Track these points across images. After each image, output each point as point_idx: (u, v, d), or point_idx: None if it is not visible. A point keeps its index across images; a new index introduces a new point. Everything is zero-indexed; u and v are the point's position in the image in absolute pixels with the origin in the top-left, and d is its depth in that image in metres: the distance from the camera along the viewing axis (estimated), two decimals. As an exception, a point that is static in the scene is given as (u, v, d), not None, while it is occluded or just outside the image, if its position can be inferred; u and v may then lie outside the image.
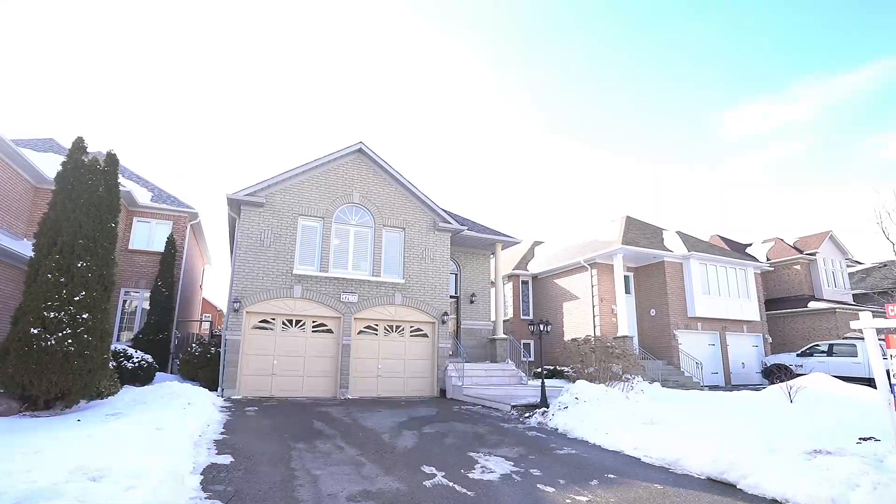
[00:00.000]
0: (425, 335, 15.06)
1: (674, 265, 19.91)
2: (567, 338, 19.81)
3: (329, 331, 13.94)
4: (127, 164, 21.15)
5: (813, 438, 6.69)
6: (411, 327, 14.92)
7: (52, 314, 8.77)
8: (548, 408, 10.06)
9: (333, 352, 13.78)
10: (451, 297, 17.73)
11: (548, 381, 16.02)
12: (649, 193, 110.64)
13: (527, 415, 10.28)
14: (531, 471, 6.22)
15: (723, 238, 30.14)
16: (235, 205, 13.55)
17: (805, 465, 5.26)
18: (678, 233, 22.40)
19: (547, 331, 11.29)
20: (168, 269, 17.72)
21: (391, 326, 14.69)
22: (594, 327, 19.64)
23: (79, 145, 10.04)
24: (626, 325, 18.42)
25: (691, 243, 21.21)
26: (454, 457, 6.89)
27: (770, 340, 21.73)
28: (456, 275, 17.99)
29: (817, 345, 18.57)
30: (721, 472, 5.72)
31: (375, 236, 14.89)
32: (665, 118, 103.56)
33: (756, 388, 17.19)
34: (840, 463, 5.09)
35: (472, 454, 7.06)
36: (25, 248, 14.89)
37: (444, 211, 15.85)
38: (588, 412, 8.80)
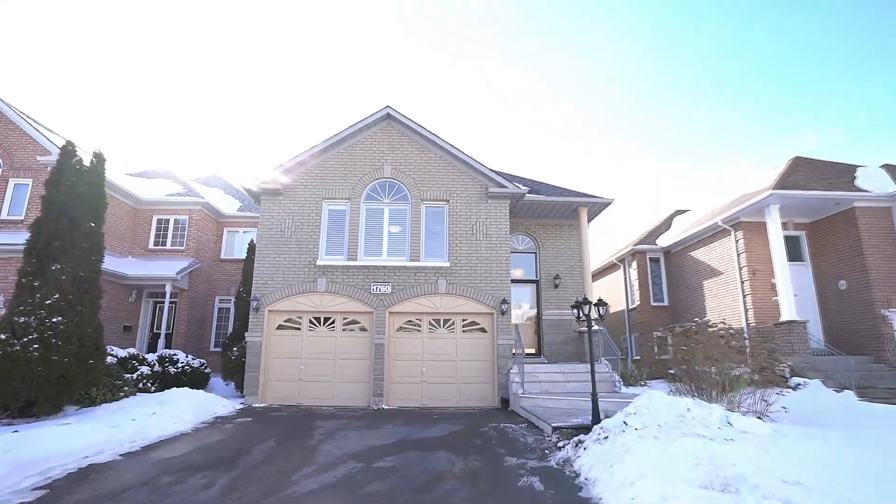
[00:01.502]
0: (482, 329, 12.03)
1: (872, 212, 13.15)
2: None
3: (362, 328, 11.92)
4: (223, 176, 22.54)
5: None
6: (463, 320, 12.04)
7: (21, 319, 8.43)
8: (595, 433, 6.37)
9: (367, 353, 11.70)
10: (530, 281, 14.30)
11: (662, 386, 11.59)
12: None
13: (561, 444, 6.71)
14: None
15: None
16: (255, 195, 12.50)
17: None
18: (886, 166, 15.06)
19: (601, 315, 7.46)
20: (249, 275, 17.83)
21: (437, 321, 12.03)
22: (745, 311, 14.06)
23: (67, 150, 9.78)
24: (792, 305, 12.60)
25: (908, 177, 13.94)
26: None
27: None
28: (535, 254, 14.47)
29: None
30: None
31: (413, 213, 12.45)
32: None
33: None
34: None
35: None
36: (123, 266, 16.28)
37: (498, 173, 12.63)
38: (628, 451, 5.02)
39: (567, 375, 11.42)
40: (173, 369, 12.45)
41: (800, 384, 10.78)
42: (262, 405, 11.03)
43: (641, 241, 19.72)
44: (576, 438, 6.40)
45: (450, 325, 12.01)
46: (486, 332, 12.01)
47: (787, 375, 11.62)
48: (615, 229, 47.23)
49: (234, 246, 19.54)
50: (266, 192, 12.25)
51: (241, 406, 10.81)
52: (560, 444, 6.71)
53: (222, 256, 19.26)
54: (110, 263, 15.53)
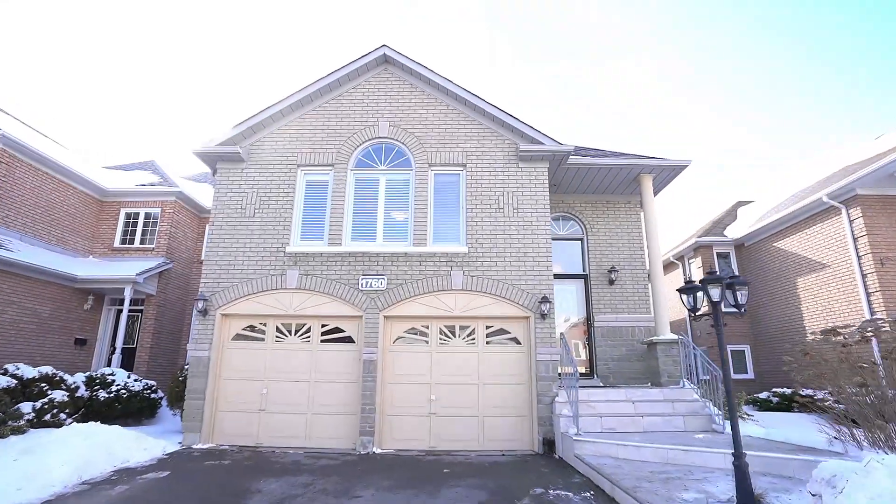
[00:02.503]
0: (514, 340, 8.67)
1: None
2: (811, 333, 10.88)
3: (348, 339, 8.70)
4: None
5: None
6: (488, 327, 8.71)
7: None
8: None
9: (354, 373, 8.46)
10: (576, 276, 10.89)
11: (771, 419, 8.06)
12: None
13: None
14: None
15: None
16: (210, 162, 9.53)
17: None
18: None
19: (738, 303, 4.09)
20: (230, 276, 14.94)
21: (451, 328, 8.73)
22: (870, 311, 10.32)
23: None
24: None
25: None
26: None
27: None
28: (581, 241, 11.07)
29: None
30: None
31: (418, 183, 9.27)
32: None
33: None
34: None
35: None
36: (74, 266, 13.52)
37: (532, 128, 9.36)
38: None
39: (638, 406, 7.92)
40: (104, 394, 9.43)
41: None
42: (204, 447, 7.86)
43: (707, 233, 16.10)
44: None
45: (469, 334, 8.68)
46: (519, 343, 8.63)
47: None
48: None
49: (218, 245, 16.67)
50: (223, 157, 9.28)
51: (177, 448, 7.67)
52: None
53: (203, 257, 16.37)
54: (57, 262, 12.77)
